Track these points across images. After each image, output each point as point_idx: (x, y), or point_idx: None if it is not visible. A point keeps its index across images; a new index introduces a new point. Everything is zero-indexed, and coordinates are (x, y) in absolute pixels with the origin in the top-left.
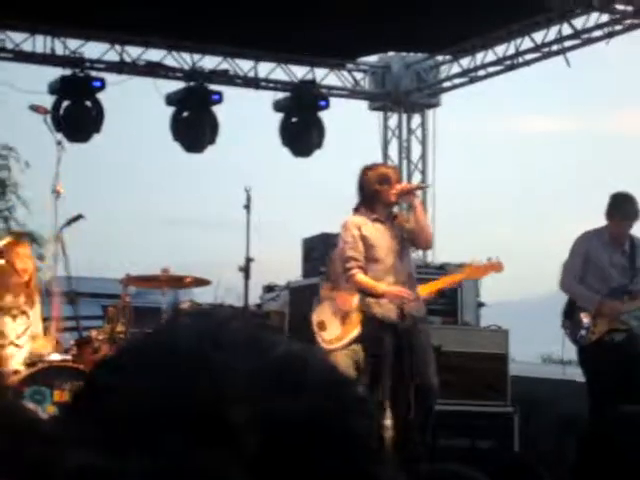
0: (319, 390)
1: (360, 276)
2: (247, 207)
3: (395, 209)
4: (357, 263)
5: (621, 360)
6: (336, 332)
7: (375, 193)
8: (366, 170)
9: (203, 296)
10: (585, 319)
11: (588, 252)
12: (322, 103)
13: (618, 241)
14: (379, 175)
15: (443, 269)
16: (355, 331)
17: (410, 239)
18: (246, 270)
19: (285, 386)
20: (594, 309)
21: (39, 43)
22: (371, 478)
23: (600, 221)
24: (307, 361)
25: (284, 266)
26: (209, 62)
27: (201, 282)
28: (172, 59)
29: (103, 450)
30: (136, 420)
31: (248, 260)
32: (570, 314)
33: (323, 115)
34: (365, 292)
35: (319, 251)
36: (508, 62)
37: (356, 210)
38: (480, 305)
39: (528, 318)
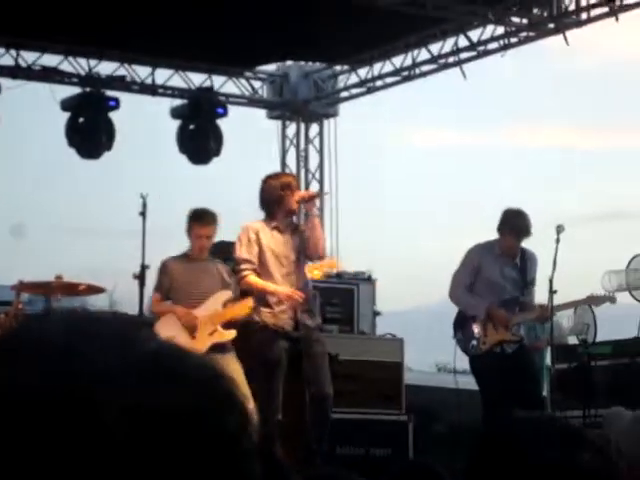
0: (191, 385)
1: (252, 277)
2: (143, 214)
3: (295, 220)
4: (251, 265)
5: (511, 370)
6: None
7: (277, 200)
8: (267, 179)
9: (97, 304)
10: (476, 329)
11: (479, 265)
12: (220, 110)
13: (509, 254)
14: (281, 183)
15: (340, 277)
16: (208, 343)
17: (303, 248)
18: (141, 277)
19: (156, 380)
20: (484, 315)
21: None
22: (242, 475)
23: (492, 234)
24: (180, 357)
25: None
26: (106, 68)
27: (95, 290)
28: (68, 64)
29: None
30: (4, 412)
31: (143, 267)
32: (461, 325)
33: (221, 123)
34: (258, 298)
35: (218, 258)
36: (405, 73)
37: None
38: (376, 314)
39: (423, 327)
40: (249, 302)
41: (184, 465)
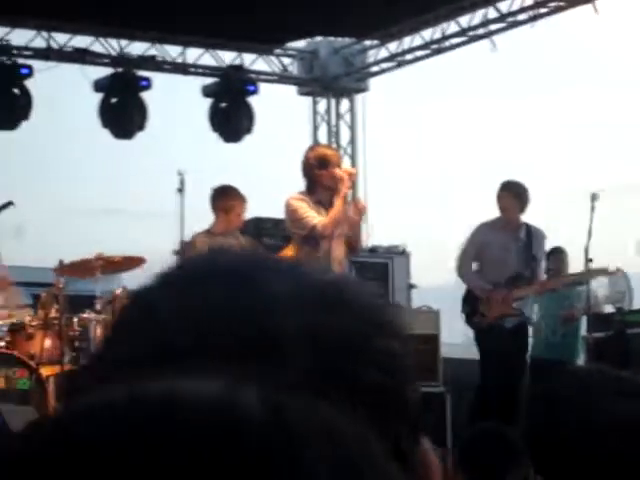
0: (361, 311)
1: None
2: (180, 190)
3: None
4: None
5: (508, 344)
6: None
7: (311, 175)
8: (307, 152)
9: (134, 284)
10: (481, 305)
11: (483, 242)
12: (251, 88)
13: (512, 227)
14: (317, 157)
15: (374, 252)
16: None
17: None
18: (182, 254)
19: (329, 306)
20: (486, 295)
21: None
22: (405, 395)
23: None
24: (348, 285)
25: None
26: (137, 48)
27: (134, 261)
28: (99, 45)
29: (154, 368)
30: (186, 337)
31: (183, 244)
32: (468, 300)
33: (252, 100)
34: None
35: (251, 235)
36: (435, 46)
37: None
38: (411, 287)
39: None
40: None
41: (357, 385)
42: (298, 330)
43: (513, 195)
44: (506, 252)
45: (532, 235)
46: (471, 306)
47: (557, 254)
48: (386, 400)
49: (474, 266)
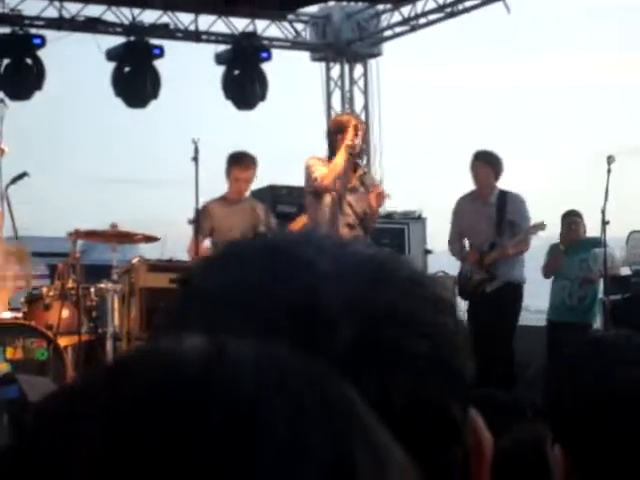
0: (407, 285)
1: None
2: (195, 159)
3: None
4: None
5: (489, 308)
6: None
7: (332, 141)
8: (330, 119)
9: (150, 253)
10: (466, 273)
11: (461, 213)
12: (264, 55)
13: (481, 193)
14: (334, 123)
15: (390, 217)
16: None
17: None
18: (196, 222)
19: (375, 280)
20: (464, 263)
21: None
22: (454, 365)
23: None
24: (393, 260)
25: None
26: (149, 16)
27: (149, 239)
28: (111, 14)
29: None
30: (235, 318)
31: (198, 212)
32: (458, 278)
33: (265, 67)
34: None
35: (266, 202)
36: (448, 9)
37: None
38: (427, 252)
39: None
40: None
41: (399, 359)
42: (343, 304)
43: (485, 163)
44: (480, 220)
45: (506, 200)
46: (463, 283)
47: (569, 217)
48: (432, 370)
49: (464, 240)
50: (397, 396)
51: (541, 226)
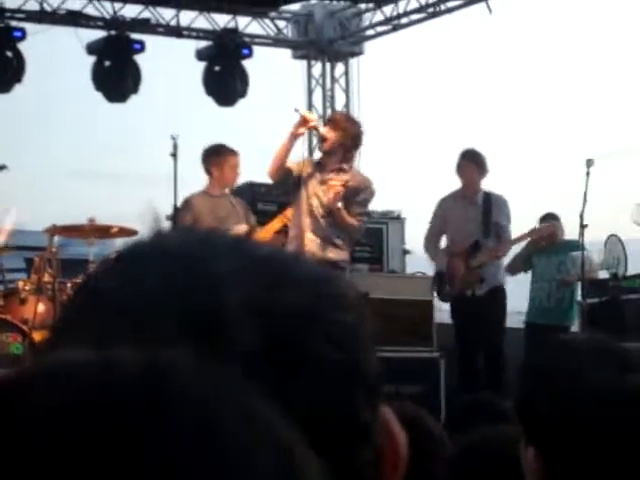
0: (308, 284)
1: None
2: (174, 155)
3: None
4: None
5: (480, 312)
6: None
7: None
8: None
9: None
10: (447, 277)
11: (445, 215)
12: (245, 51)
13: (468, 194)
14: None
15: (369, 217)
16: None
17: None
18: (174, 219)
19: (276, 280)
20: (445, 267)
21: None
22: (363, 368)
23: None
24: (292, 259)
25: None
26: (130, 11)
27: (128, 232)
28: (93, 8)
29: (99, 344)
30: (132, 315)
31: (176, 209)
32: (437, 274)
33: (246, 64)
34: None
35: (245, 199)
36: (431, 10)
37: None
38: (406, 252)
39: None
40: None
41: (309, 360)
42: (241, 305)
43: (471, 163)
44: (466, 221)
45: (491, 202)
46: (440, 280)
47: (547, 219)
48: (337, 372)
49: (444, 239)
50: (300, 399)
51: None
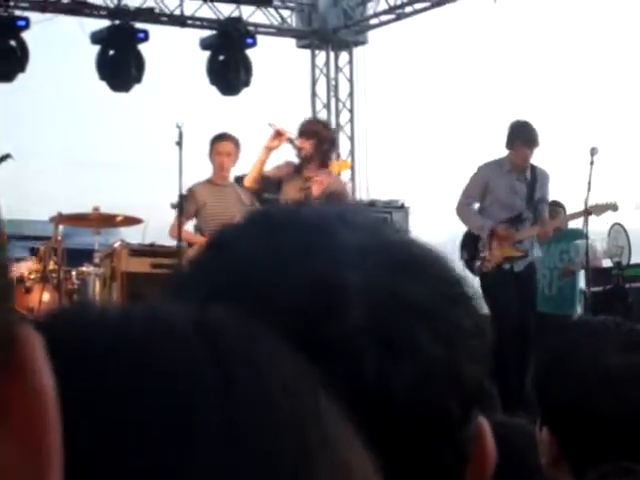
0: (435, 281)
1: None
2: (179, 144)
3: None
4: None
5: (517, 287)
6: None
7: None
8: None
9: (132, 237)
10: (482, 247)
11: (488, 182)
12: (249, 41)
13: (519, 169)
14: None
15: (372, 206)
16: None
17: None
18: (180, 206)
19: (401, 269)
20: (487, 233)
21: None
22: (465, 372)
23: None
24: (426, 253)
25: None
26: (134, 0)
27: (132, 221)
28: None
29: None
30: (253, 279)
31: (181, 196)
32: (467, 244)
33: (250, 53)
34: None
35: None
36: None
37: None
38: None
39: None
40: None
41: (407, 352)
42: (362, 283)
43: (529, 149)
44: (514, 195)
45: (537, 175)
46: (470, 251)
47: (555, 206)
48: (438, 368)
49: (476, 207)
50: (396, 386)
51: (613, 207)
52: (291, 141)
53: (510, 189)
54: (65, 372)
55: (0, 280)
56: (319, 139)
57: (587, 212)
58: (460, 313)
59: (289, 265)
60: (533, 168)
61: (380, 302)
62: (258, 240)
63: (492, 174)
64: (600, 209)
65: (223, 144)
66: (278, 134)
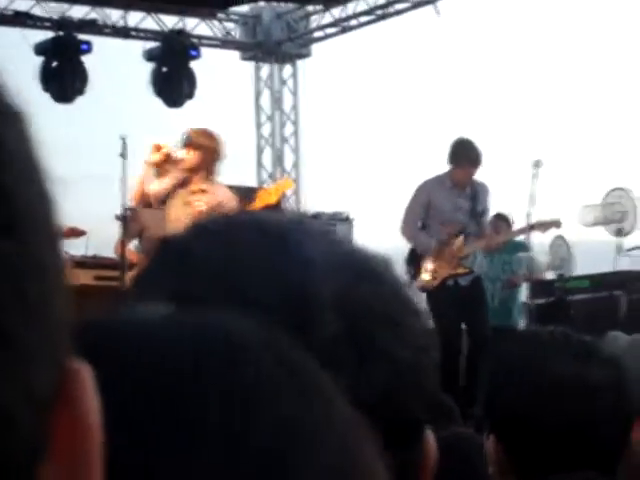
0: (393, 286)
1: None
2: (123, 155)
3: None
4: None
5: (464, 303)
6: None
7: None
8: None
9: (76, 249)
10: (428, 264)
11: (430, 199)
12: (193, 53)
13: (461, 185)
14: None
15: (317, 218)
16: None
17: None
18: (123, 219)
19: (362, 276)
20: (432, 253)
21: None
22: (426, 380)
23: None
24: (374, 257)
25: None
26: (78, 12)
27: (77, 233)
28: (40, 9)
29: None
30: (214, 285)
31: (126, 209)
32: (412, 260)
33: (194, 65)
34: None
35: None
36: (379, 12)
37: None
38: None
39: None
40: None
41: (376, 354)
42: (331, 295)
43: (473, 168)
44: (457, 211)
45: (478, 189)
46: (415, 267)
47: (499, 220)
48: (407, 377)
49: (419, 224)
50: (371, 392)
51: (556, 223)
52: (169, 156)
53: (453, 205)
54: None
55: (58, 302)
56: (204, 150)
57: (531, 228)
58: (418, 320)
59: (259, 272)
60: (473, 182)
61: (352, 311)
62: (216, 249)
63: (434, 191)
64: (544, 226)
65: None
66: (156, 148)
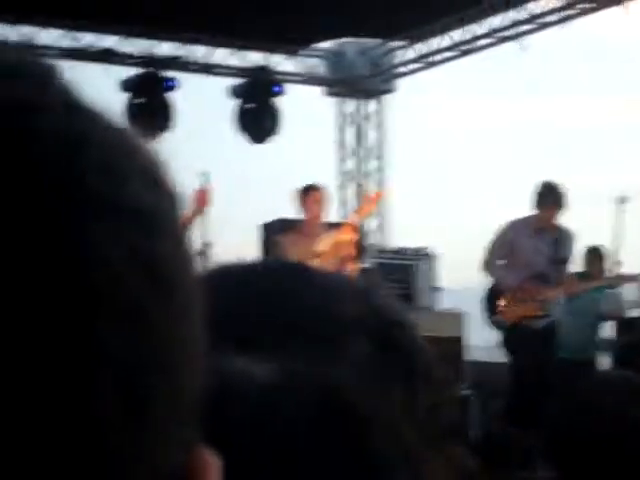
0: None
1: None
2: None
3: None
4: None
5: (538, 345)
6: None
7: None
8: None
9: None
10: (502, 303)
11: (513, 240)
12: (276, 89)
13: (545, 229)
14: None
15: (399, 253)
16: None
17: None
18: (204, 254)
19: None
20: (510, 292)
21: None
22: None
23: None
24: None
25: (240, 250)
26: (164, 49)
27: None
28: (128, 45)
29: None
30: (251, 323)
31: (205, 244)
32: (490, 297)
33: (278, 101)
34: None
35: (277, 235)
36: (463, 47)
37: None
38: (435, 289)
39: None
40: None
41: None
42: (359, 316)
43: (557, 211)
44: (539, 255)
45: (563, 235)
46: (493, 303)
47: (594, 254)
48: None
49: (499, 263)
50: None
51: (637, 278)
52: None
53: (535, 249)
54: None
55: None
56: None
57: (615, 279)
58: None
59: (285, 310)
60: (558, 228)
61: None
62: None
63: (518, 233)
64: (624, 279)
65: (317, 193)
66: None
